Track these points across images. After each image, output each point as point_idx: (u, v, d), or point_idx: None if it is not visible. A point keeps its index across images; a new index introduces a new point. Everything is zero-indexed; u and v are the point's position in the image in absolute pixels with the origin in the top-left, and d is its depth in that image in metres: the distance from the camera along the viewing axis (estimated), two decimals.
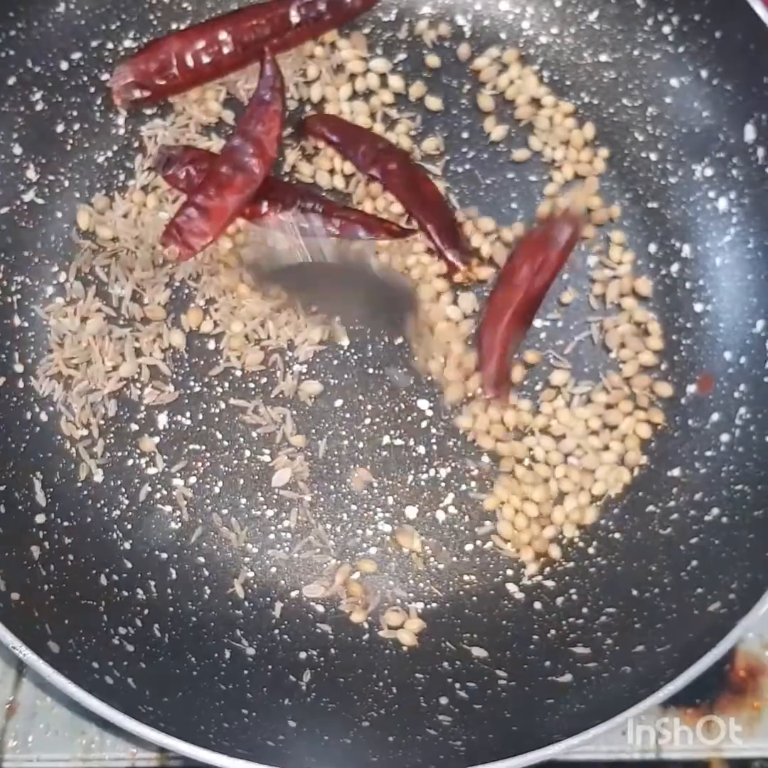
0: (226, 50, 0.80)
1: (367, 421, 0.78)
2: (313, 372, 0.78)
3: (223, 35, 0.80)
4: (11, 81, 0.79)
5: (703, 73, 0.80)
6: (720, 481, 0.74)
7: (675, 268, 0.81)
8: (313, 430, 0.77)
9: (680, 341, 0.79)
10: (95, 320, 0.78)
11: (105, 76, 0.82)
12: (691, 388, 0.78)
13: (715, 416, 0.77)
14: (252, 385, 0.78)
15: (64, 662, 0.63)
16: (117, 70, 0.80)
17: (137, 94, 0.81)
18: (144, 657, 0.68)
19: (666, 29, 0.81)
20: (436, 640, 0.72)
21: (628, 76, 0.84)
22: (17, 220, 0.79)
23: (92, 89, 0.82)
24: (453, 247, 0.79)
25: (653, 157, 0.83)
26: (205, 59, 0.80)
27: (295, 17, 0.81)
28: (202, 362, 0.78)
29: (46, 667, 0.61)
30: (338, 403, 0.78)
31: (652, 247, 0.82)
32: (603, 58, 0.84)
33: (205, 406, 0.78)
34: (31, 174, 0.80)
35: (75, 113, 0.81)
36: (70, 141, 0.81)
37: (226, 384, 0.78)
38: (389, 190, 0.81)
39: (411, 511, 0.76)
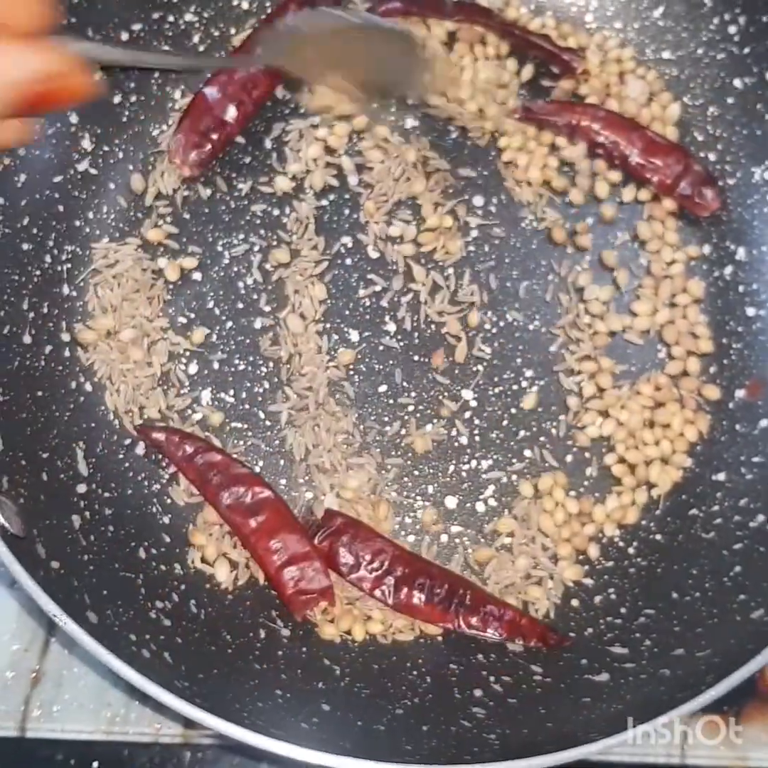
0: (254, 78, 0.80)
1: (411, 407, 0.77)
2: (359, 356, 0.78)
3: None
4: None
5: None
6: (766, 487, 0.73)
7: (728, 270, 0.80)
8: (356, 415, 0.77)
9: (730, 345, 0.79)
10: (142, 293, 0.78)
11: (165, 48, 0.82)
12: (740, 393, 0.77)
13: (763, 422, 0.76)
14: (298, 365, 0.78)
15: (102, 633, 0.62)
16: (173, 143, 0.80)
17: (199, 154, 0.80)
18: (180, 632, 0.67)
19: (732, 29, 0.81)
20: None
21: (690, 74, 0.83)
22: (71, 189, 0.78)
23: None
24: None
25: (712, 157, 0.82)
26: (244, 96, 0.80)
27: None
28: (247, 341, 0.78)
29: (85, 637, 0.61)
30: (382, 388, 0.78)
31: (707, 249, 0.81)
32: (665, 55, 0.83)
33: (248, 384, 0.77)
34: (86, 144, 0.79)
35: (132, 85, 0.81)
36: (126, 112, 0.81)
37: (271, 364, 0.78)
38: None
39: (451, 501, 0.76)
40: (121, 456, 0.74)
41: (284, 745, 0.60)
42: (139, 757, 0.75)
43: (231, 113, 0.80)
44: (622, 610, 0.72)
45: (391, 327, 0.79)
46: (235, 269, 0.80)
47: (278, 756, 0.60)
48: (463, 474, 0.76)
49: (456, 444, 0.77)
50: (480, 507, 0.76)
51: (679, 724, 0.74)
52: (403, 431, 0.77)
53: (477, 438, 0.77)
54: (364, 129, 0.82)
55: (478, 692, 0.68)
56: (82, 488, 0.71)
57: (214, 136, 0.80)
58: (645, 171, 0.79)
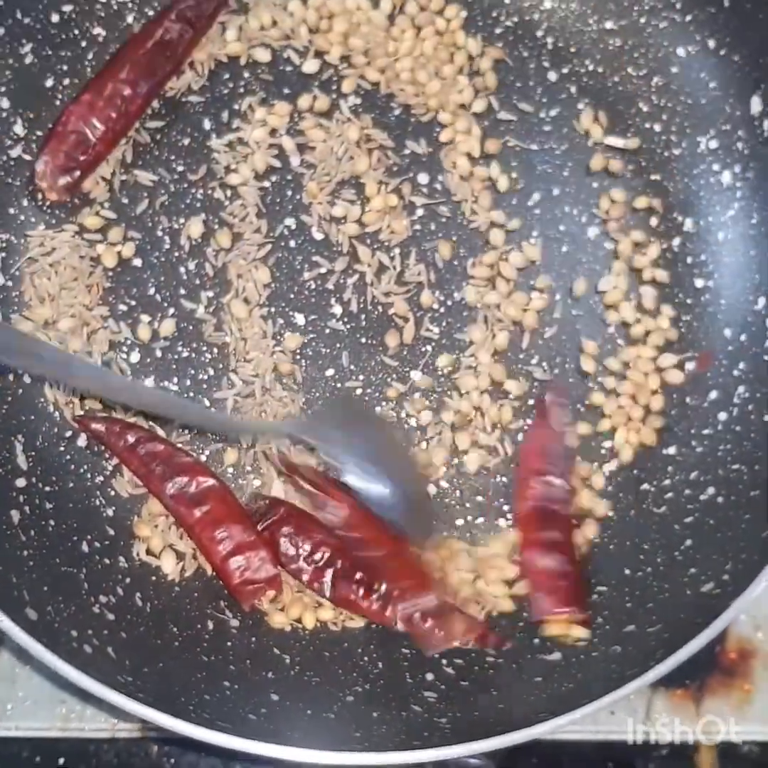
0: (128, 94, 0.77)
1: (359, 391, 0.76)
2: (305, 340, 0.77)
3: (119, 86, 0.77)
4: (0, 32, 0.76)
5: (711, 43, 0.78)
6: (717, 460, 0.73)
7: (676, 242, 0.79)
8: (304, 400, 0.76)
9: (679, 317, 0.78)
10: (80, 281, 0.76)
11: (96, 30, 0.80)
12: (690, 366, 0.77)
13: (713, 394, 0.75)
14: (243, 351, 0.76)
15: (42, 630, 0.61)
16: (38, 168, 0.76)
17: (67, 178, 0.76)
18: (125, 626, 0.66)
19: None
20: None
21: (633, 44, 0.81)
22: (3, 176, 0.76)
23: (83, 43, 0.80)
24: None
25: (657, 128, 0.81)
26: (114, 114, 0.77)
27: (174, 30, 0.78)
28: (190, 327, 0.77)
29: (22, 635, 0.60)
30: (329, 372, 0.77)
31: (654, 221, 0.80)
32: (608, 25, 0.82)
33: (192, 371, 0.76)
34: (19, 129, 0.77)
35: (65, 67, 0.79)
36: (60, 96, 0.79)
37: (215, 350, 0.76)
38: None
39: None
40: (61, 448, 0.73)
41: (230, 738, 0.59)
42: (105, 753, 0.75)
43: (99, 132, 0.76)
44: None
45: (338, 310, 0.78)
46: (176, 254, 0.78)
47: (225, 749, 0.59)
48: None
49: (405, 426, 0.76)
50: (431, 489, 0.75)
51: (643, 699, 0.74)
52: None
53: (426, 420, 0.76)
54: (307, 108, 0.81)
55: (430, 676, 0.67)
56: (21, 482, 0.70)
57: (82, 158, 0.76)
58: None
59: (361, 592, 0.69)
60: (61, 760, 0.74)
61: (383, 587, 0.68)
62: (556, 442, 0.74)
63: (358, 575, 0.69)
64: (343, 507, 0.69)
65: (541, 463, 0.73)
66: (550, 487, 0.72)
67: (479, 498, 0.74)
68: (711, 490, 0.71)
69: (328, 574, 0.69)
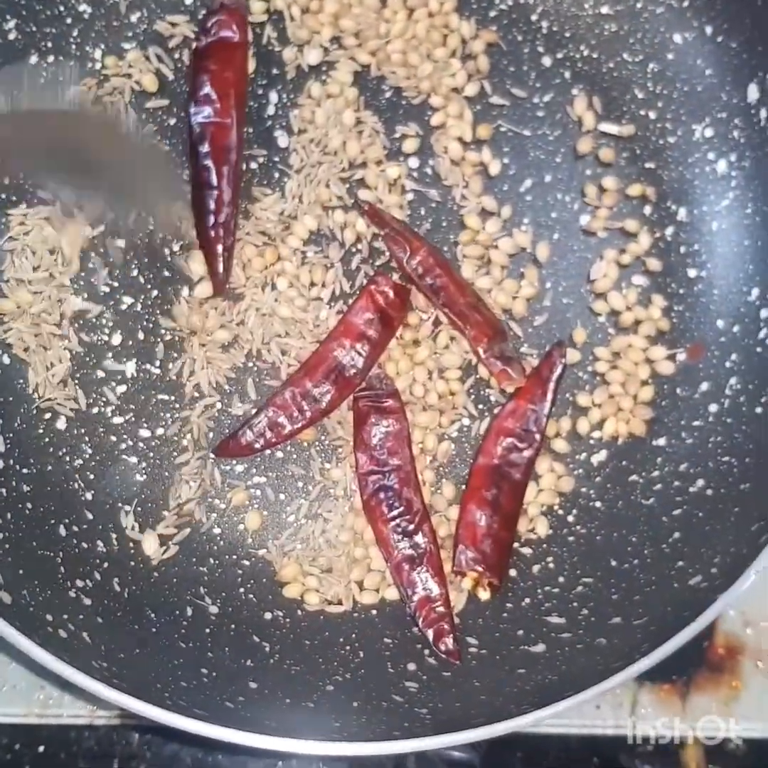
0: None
1: None
2: None
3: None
4: None
5: (708, 29, 0.77)
6: (707, 452, 0.72)
7: (670, 231, 0.78)
8: None
9: (672, 307, 0.77)
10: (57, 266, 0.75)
11: (82, 7, 0.78)
12: (681, 356, 0.76)
13: (704, 385, 0.74)
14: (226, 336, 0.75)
15: (16, 613, 0.60)
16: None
17: None
18: (101, 611, 0.65)
19: None
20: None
21: (629, 29, 0.80)
22: None
23: (68, 20, 0.78)
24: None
25: (652, 115, 0.80)
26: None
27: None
28: (168, 307, 0.75)
29: None
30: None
31: (647, 209, 0.79)
32: (604, 9, 0.81)
33: (175, 355, 0.75)
34: (2, 105, 0.75)
35: (49, 44, 0.77)
36: (44, 73, 0.77)
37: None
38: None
39: None
40: (40, 431, 0.72)
41: (206, 726, 0.58)
42: (86, 740, 0.74)
43: None
44: (560, 580, 0.70)
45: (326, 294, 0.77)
46: (161, 235, 0.76)
47: (203, 738, 0.58)
48: None
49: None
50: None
51: (629, 693, 0.73)
52: None
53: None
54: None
55: (411, 666, 0.66)
56: None
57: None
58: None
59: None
60: (41, 748, 0.73)
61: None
62: (537, 412, 0.73)
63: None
64: (421, 251, 0.73)
65: (515, 425, 0.73)
66: (513, 452, 0.72)
67: None
68: (700, 483, 0.71)
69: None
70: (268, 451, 0.73)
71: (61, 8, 0.78)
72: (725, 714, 0.75)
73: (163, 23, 0.79)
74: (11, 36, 0.76)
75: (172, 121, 0.78)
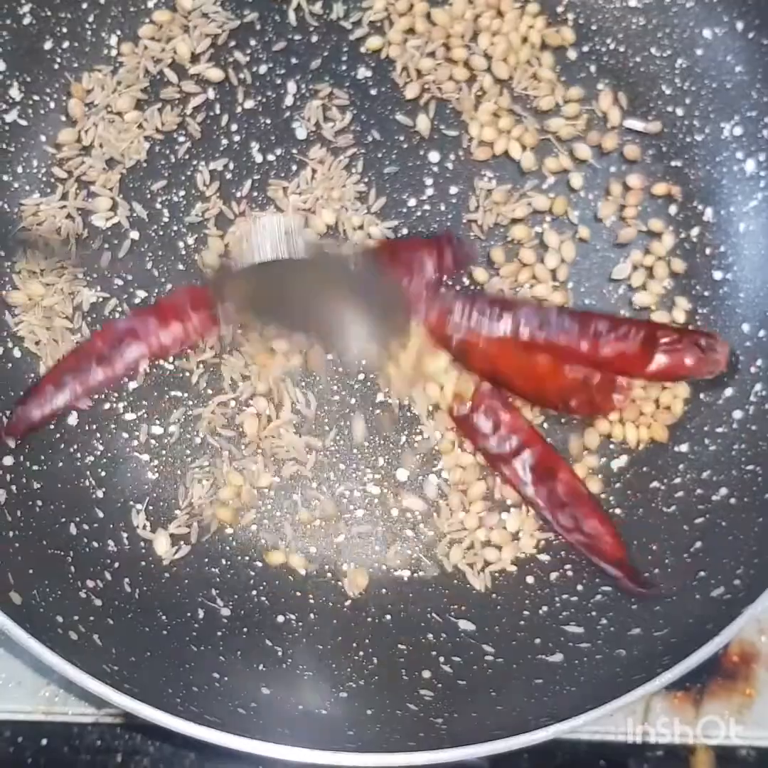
0: None
1: (361, 376, 0.74)
2: None
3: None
4: None
5: (739, 25, 0.75)
6: (730, 459, 0.70)
7: (695, 232, 0.76)
8: (303, 383, 0.73)
9: (696, 310, 0.75)
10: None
11: None
12: None
13: (728, 391, 0.73)
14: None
15: (26, 614, 0.59)
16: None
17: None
18: (112, 613, 0.65)
19: None
20: (422, 611, 0.69)
21: (658, 23, 0.78)
22: None
23: (84, 5, 0.76)
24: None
25: (679, 112, 0.78)
26: None
27: None
28: None
29: (6, 620, 0.58)
30: (330, 356, 0.74)
31: (673, 209, 0.77)
32: (632, 2, 0.79)
33: (189, 351, 0.73)
34: (15, 92, 0.74)
35: (64, 30, 0.76)
36: (58, 60, 0.76)
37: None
38: None
39: (402, 474, 0.73)
40: (51, 426, 0.71)
41: (218, 734, 0.57)
42: (89, 734, 0.73)
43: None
44: (579, 588, 0.69)
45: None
46: (175, 228, 0.75)
47: (211, 744, 0.57)
48: (415, 445, 0.73)
49: (409, 414, 0.73)
50: (432, 479, 0.72)
51: (641, 701, 0.72)
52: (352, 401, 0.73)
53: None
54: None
55: (426, 674, 0.66)
56: (8, 460, 0.68)
57: None
58: None
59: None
60: (44, 741, 0.72)
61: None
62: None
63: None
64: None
65: None
66: None
67: None
68: (723, 491, 0.69)
69: None
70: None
71: None
72: (738, 721, 0.74)
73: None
74: (26, 20, 0.74)
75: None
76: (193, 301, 0.71)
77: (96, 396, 0.72)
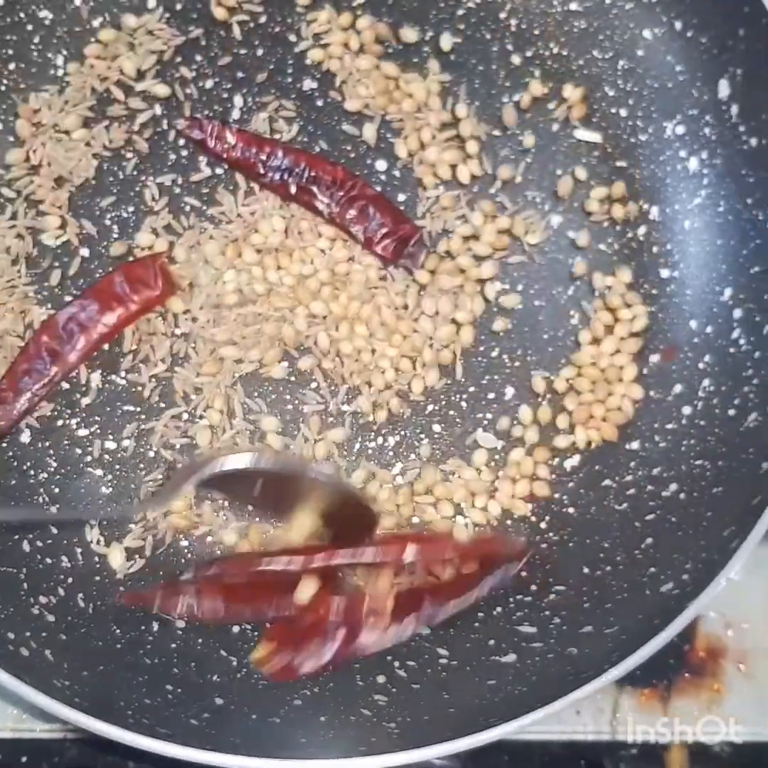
0: None
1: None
2: None
3: None
4: None
5: (678, 25, 0.76)
6: (680, 455, 0.71)
7: (641, 230, 0.77)
8: (256, 393, 0.74)
9: (644, 308, 0.76)
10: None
11: (43, 13, 0.77)
12: (654, 358, 0.75)
13: (677, 388, 0.73)
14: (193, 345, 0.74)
15: None
16: None
17: None
18: (65, 628, 0.64)
19: None
20: None
21: (599, 26, 0.79)
22: None
23: (30, 27, 0.77)
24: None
25: (623, 113, 0.78)
26: None
27: None
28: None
29: None
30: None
31: (619, 209, 0.77)
32: (573, 6, 0.79)
33: (141, 366, 0.74)
34: None
35: (10, 52, 0.77)
36: (5, 81, 0.76)
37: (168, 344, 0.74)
38: None
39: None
40: (4, 444, 0.71)
41: (168, 746, 0.57)
42: (67, 750, 0.73)
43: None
44: (532, 588, 0.69)
45: None
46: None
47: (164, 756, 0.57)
48: (370, 451, 0.74)
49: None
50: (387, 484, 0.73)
51: (609, 699, 0.72)
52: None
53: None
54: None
55: (381, 679, 0.65)
56: None
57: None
58: None
59: None
60: (24, 759, 0.72)
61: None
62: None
63: None
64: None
65: None
66: None
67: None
68: (673, 487, 0.70)
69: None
70: None
71: (22, 15, 0.77)
72: (707, 717, 0.74)
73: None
74: None
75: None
76: (128, 279, 0.73)
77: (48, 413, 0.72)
